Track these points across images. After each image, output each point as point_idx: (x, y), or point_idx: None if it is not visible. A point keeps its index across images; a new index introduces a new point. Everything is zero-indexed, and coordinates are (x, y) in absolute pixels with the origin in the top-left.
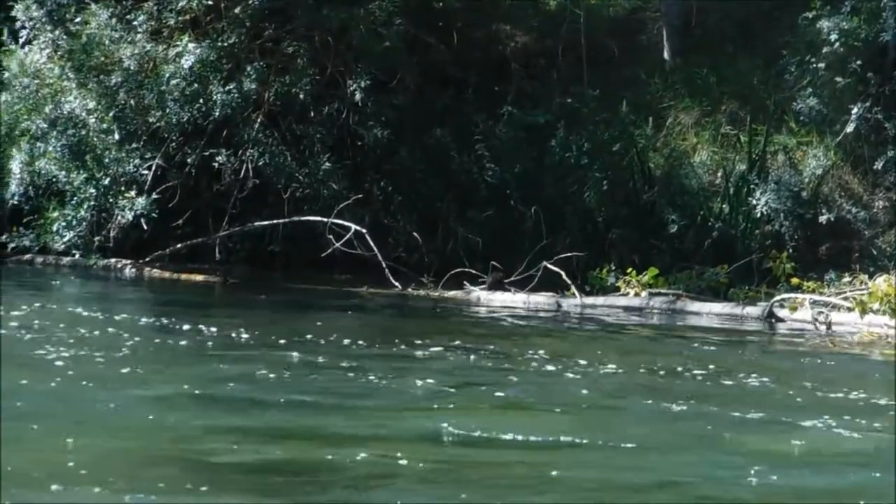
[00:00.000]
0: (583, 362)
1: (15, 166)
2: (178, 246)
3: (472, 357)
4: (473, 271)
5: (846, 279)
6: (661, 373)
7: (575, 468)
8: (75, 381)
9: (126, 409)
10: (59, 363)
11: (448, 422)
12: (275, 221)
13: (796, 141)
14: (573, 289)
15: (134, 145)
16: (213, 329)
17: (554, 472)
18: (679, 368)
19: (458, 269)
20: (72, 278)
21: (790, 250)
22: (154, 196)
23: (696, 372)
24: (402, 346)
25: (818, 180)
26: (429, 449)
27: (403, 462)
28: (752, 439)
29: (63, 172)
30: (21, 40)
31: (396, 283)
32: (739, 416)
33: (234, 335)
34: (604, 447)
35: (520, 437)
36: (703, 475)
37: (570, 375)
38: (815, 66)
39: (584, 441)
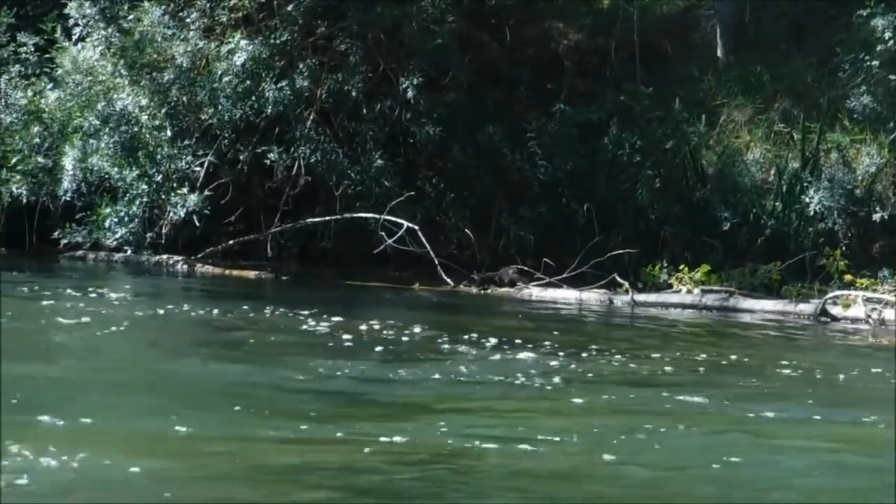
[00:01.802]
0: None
1: (68, 163)
2: (230, 242)
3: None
4: (525, 268)
5: None
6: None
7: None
8: None
9: None
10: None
11: None
12: (327, 218)
13: (849, 139)
14: (626, 286)
15: (186, 142)
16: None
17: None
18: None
19: (510, 266)
20: (147, 275)
21: (843, 248)
22: (206, 193)
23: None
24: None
25: (872, 178)
26: None
27: None
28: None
29: (115, 169)
30: (74, 37)
31: (449, 280)
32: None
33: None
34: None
35: None
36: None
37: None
38: (868, 63)
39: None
